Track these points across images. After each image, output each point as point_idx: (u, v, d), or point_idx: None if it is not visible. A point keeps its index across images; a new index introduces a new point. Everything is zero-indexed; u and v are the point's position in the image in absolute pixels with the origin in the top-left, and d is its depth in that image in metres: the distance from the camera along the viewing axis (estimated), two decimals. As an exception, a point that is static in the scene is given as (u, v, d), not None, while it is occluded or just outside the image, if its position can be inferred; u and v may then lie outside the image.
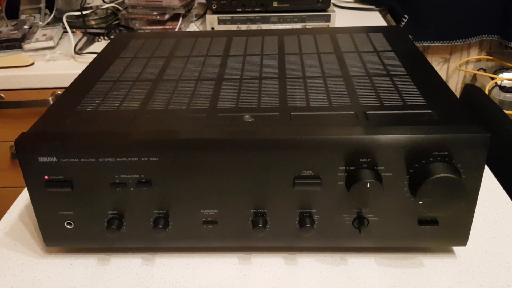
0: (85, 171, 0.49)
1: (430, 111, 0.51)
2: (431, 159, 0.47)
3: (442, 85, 0.57)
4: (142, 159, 0.48)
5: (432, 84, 0.57)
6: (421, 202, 0.47)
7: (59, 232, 0.53)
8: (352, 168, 0.48)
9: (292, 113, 0.52)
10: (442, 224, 0.50)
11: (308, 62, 0.65)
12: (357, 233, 0.51)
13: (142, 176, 0.49)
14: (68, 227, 0.52)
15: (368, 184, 0.46)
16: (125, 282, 0.52)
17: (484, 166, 0.47)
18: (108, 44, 0.77)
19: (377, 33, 0.76)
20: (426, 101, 0.53)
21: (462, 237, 0.51)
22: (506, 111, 0.95)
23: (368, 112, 0.51)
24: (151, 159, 0.48)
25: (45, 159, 0.48)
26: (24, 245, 0.57)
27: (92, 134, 0.49)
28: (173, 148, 0.48)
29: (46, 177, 0.49)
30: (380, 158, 0.47)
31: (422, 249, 0.54)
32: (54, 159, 0.48)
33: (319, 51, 0.69)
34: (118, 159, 0.48)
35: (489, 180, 0.66)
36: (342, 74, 0.61)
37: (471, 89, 1.02)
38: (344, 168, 0.48)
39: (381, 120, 0.49)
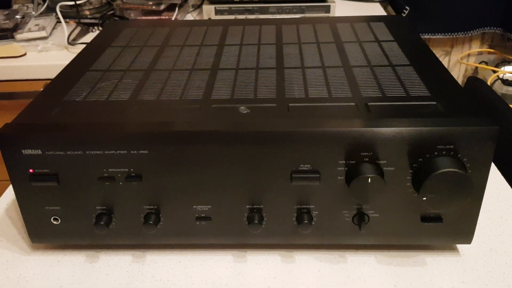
0: (72, 165, 0.47)
1: (434, 103, 0.48)
2: (436, 153, 0.44)
3: (447, 76, 0.55)
4: (132, 152, 0.46)
5: (436, 74, 0.55)
6: (424, 198, 0.45)
7: (45, 228, 0.50)
8: (353, 162, 0.45)
9: (290, 105, 0.49)
10: (446, 221, 0.48)
11: (307, 52, 0.63)
12: (357, 230, 0.49)
13: (132, 170, 0.47)
14: (54, 222, 0.50)
15: (369, 179, 0.44)
16: (114, 280, 0.50)
17: (491, 160, 0.45)
18: (100, 32, 0.74)
19: (379, 22, 0.74)
20: (430, 92, 0.51)
21: (467, 235, 0.49)
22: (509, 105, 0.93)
23: (369, 104, 0.49)
24: (141, 152, 0.46)
25: (29, 151, 0.46)
26: (10, 242, 0.55)
27: (79, 126, 0.46)
28: (165, 140, 0.45)
29: (31, 170, 0.47)
30: (382, 152, 0.45)
31: (425, 247, 0.52)
32: (39, 151, 0.46)
33: (319, 40, 0.67)
34: (106, 152, 0.46)
35: (494, 176, 0.63)
36: (343, 64, 0.59)
37: (474, 82, 1.00)
38: (344, 162, 0.45)
39: (383, 112, 0.47)
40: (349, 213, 0.49)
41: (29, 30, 1.17)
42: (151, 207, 0.49)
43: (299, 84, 0.54)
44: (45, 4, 1.33)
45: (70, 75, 0.59)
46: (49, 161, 0.46)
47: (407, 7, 1.35)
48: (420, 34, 1.46)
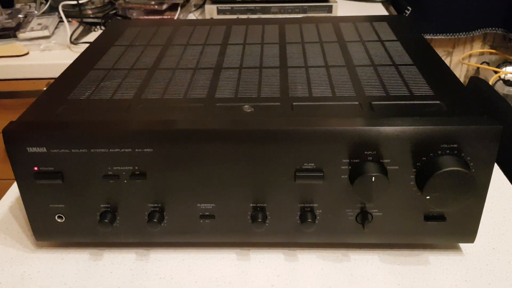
0: (77, 163, 0.47)
1: (438, 102, 0.49)
2: (440, 152, 0.45)
3: (450, 75, 0.55)
4: (136, 150, 0.46)
5: (439, 74, 0.55)
6: (428, 197, 0.45)
7: (50, 226, 0.51)
8: (356, 161, 0.46)
9: (293, 103, 0.49)
10: (449, 220, 0.48)
11: (310, 51, 0.63)
12: (361, 229, 0.49)
13: (136, 168, 0.47)
14: (59, 220, 0.50)
15: (373, 178, 0.44)
16: (118, 278, 0.50)
17: (495, 159, 0.45)
18: (103, 32, 0.74)
19: (382, 22, 0.74)
20: (434, 92, 0.51)
21: (469, 234, 0.49)
22: None
23: (373, 103, 0.49)
24: (145, 150, 0.46)
25: (34, 149, 0.46)
26: (14, 239, 0.55)
27: (84, 124, 0.46)
28: (169, 139, 0.45)
29: (36, 168, 0.47)
30: (385, 151, 0.45)
31: (428, 246, 0.52)
32: (43, 149, 0.46)
33: (322, 40, 0.67)
34: (111, 150, 0.46)
35: (496, 175, 0.63)
36: (346, 63, 0.59)
37: (476, 82, 1.00)
38: (347, 161, 0.46)
39: (387, 111, 0.47)
40: (352, 211, 0.49)
41: (32, 29, 1.18)
42: (155, 205, 0.49)
43: (303, 83, 0.54)
44: (48, 4, 1.33)
45: (74, 73, 0.59)
46: (54, 159, 0.47)
47: (409, 7, 1.36)
48: (422, 35, 1.46)
